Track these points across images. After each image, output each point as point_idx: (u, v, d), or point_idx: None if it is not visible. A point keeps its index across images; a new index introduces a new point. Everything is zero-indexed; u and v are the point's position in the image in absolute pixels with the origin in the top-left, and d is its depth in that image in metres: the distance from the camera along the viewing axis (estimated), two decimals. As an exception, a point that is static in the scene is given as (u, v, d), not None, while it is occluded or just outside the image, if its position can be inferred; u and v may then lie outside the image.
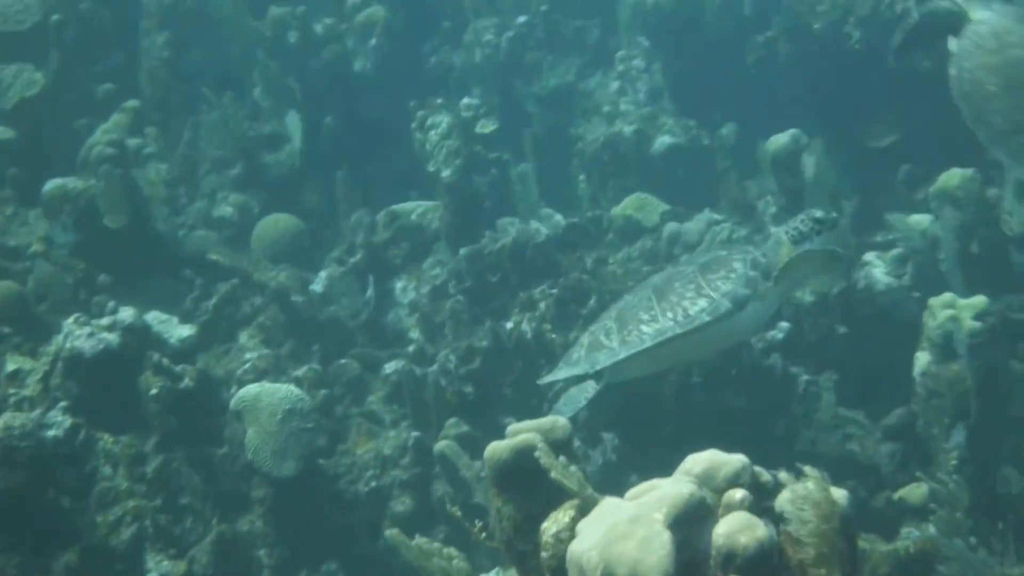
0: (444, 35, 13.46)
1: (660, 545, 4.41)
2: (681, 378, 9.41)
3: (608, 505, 4.77)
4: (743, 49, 12.25)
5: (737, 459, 4.87)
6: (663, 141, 11.87)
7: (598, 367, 7.39)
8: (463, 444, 9.41)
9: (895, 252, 10.52)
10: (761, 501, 4.66)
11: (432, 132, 11.55)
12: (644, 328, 7.34)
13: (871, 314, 10.38)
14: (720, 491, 4.72)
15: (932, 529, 8.87)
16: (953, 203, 10.47)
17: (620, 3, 13.46)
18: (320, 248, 12.05)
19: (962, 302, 9.47)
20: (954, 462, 9.27)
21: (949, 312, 9.43)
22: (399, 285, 11.27)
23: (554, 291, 9.76)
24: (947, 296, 9.57)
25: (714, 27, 12.48)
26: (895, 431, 9.80)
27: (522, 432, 5.50)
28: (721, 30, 12.45)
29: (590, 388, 7.38)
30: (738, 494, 4.63)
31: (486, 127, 11.27)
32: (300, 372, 10.24)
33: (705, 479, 4.80)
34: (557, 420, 5.58)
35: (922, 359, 9.60)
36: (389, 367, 10.38)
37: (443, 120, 11.53)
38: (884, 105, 11.37)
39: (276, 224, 11.99)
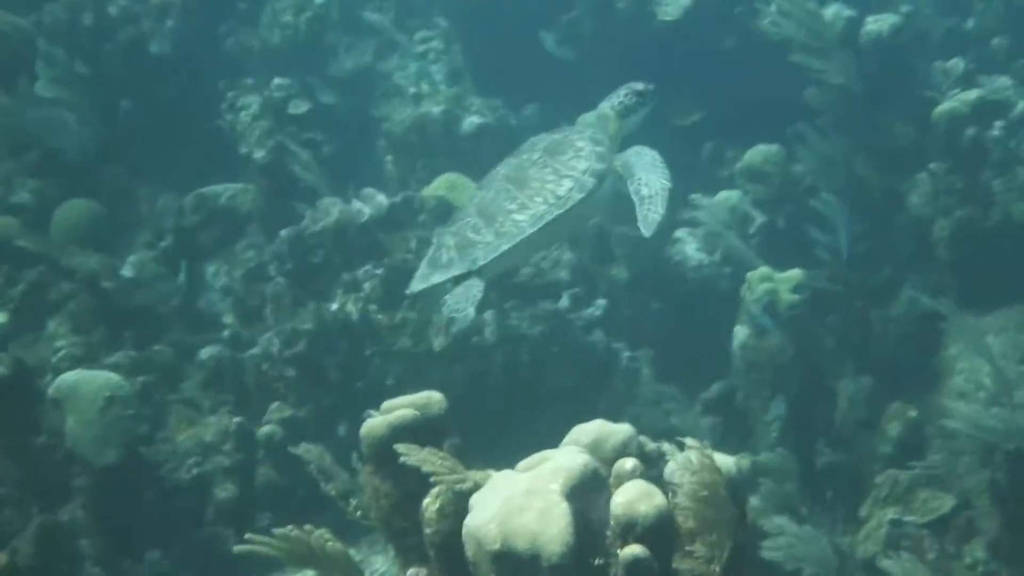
0: (241, 16, 13.20)
1: (559, 516, 4.42)
2: (509, 356, 9.49)
3: (502, 478, 4.75)
4: (545, 28, 12.33)
5: (624, 429, 4.92)
6: (471, 121, 11.87)
7: (481, 263, 7.28)
8: (288, 428, 9.32)
9: (705, 228, 10.69)
10: (648, 471, 4.70)
11: (243, 113, 11.40)
12: (517, 216, 7.27)
13: (685, 290, 10.57)
14: (609, 461, 4.76)
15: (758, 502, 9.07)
16: (760, 179, 10.74)
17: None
18: (122, 233, 11.73)
19: (779, 275, 9.72)
20: (775, 434, 9.51)
21: (767, 285, 9.66)
22: (211, 269, 11.04)
23: (379, 272, 9.68)
24: (763, 269, 9.82)
25: (514, 6, 12.53)
26: (715, 404, 10.00)
27: (397, 408, 5.44)
28: (521, 9, 12.51)
29: (477, 286, 7.27)
30: (628, 463, 4.66)
31: (299, 107, 11.14)
32: (115, 359, 9.94)
33: (594, 449, 4.83)
34: (432, 395, 5.54)
35: (740, 333, 9.84)
36: (204, 352, 10.14)
37: (253, 101, 11.37)
38: (689, 83, 11.58)
39: (74, 209, 11.63)
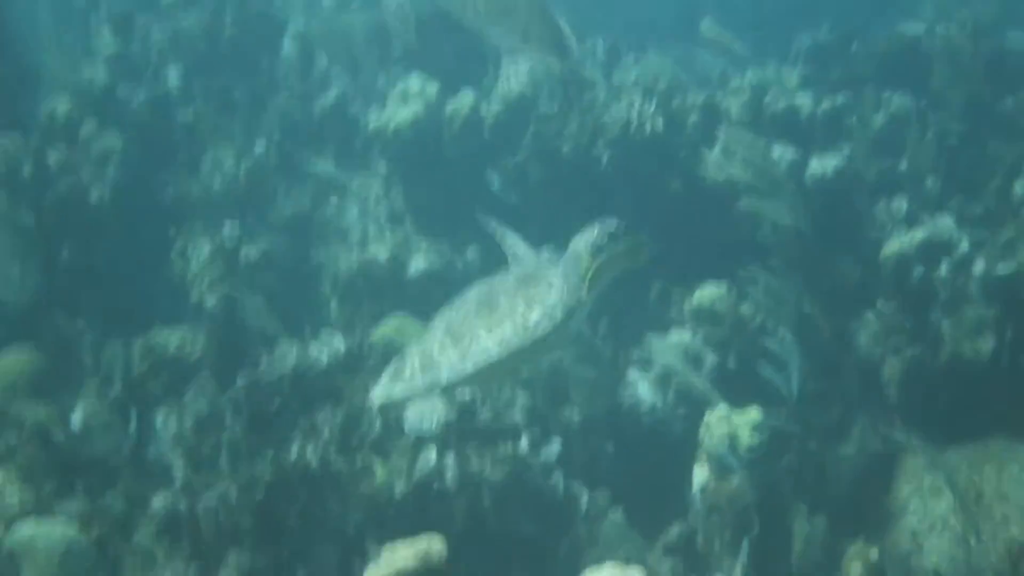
0: (180, 165, 13.21)
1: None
2: (471, 502, 9.42)
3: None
4: (486, 171, 12.44)
5: (635, 572, 4.92)
6: (418, 265, 11.88)
7: (444, 382, 7.26)
8: (249, 576, 9.20)
9: (657, 370, 10.72)
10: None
11: (193, 261, 11.34)
12: (484, 340, 7.27)
13: (639, 432, 10.58)
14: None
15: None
16: (710, 319, 10.81)
17: (356, 131, 13.52)
18: (64, 382, 11.55)
19: (737, 417, 9.75)
20: (738, 577, 9.49)
21: (726, 428, 9.68)
22: (160, 418, 10.88)
23: (338, 417, 9.61)
24: (722, 410, 9.83)
25: (455, 151, 12.65)
26: (675, 547, 9.95)
27: (399, 557, 5.39)
28: (462, 153, 12.63)
29: (439, 405, 7.23)
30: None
31: (250, 254, 11.11)
32: (67, 509, 9.74)
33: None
34: (432, 543, 5.49)
35: (700, 474, 9.82)
36: (157, 502, 9.94)
37: (204, 248, 11.32)
38: (635, 224, 11.66)
39: (14, 359, 11.44)
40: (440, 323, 7.60)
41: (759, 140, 10.94)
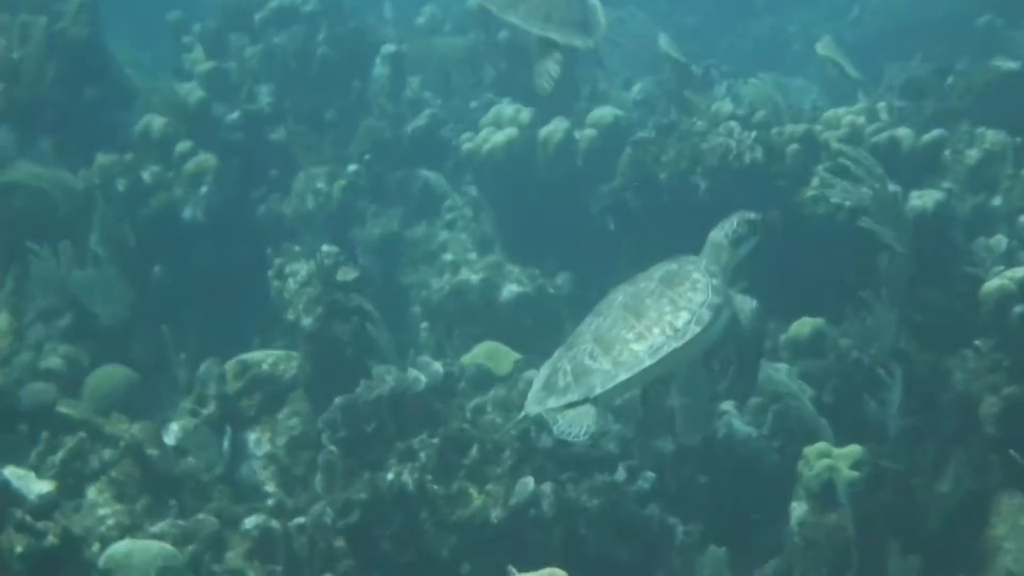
0: (272, 183, 13.28)
1: None
2: (568, 530, 9.39)
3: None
4: (577, 198, 12.44)
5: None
6: (511, 289, 11.87)
7: (598, 391, 7.25)
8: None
9: (754, 401, 10.66)
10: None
11: (291, 280, 11.37)
12: (635, 347, 7.28)
13: (734, 465, 10.51)
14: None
15: None
16: (807, 351, 10.75)
17: (447, 154, 13.56)
18: (156, 400, 11.60)
19: (837, 451, 9.68)
20: (841, 614, 9.40)
21: (826, 461, 9.61)
22: (252, 437, 10.91)
23: (435, 441, 9.60)
24: (821, 445, 9.77)
25: (547, 176, 12.66)
26: (772, 581, 9.89)
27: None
28: (554, 179, 12.64)
29: (591, 413, 7.21)
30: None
31: (348, 274, 11.12)
32: (161, 528, 9.77)
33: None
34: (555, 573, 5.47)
35: (798, 509, 9.74)
36: (249, 522, 9.97)
37: (302, 268, 11.36)
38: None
39: (110, 376, 11.52)
40: (588, 330, 7.59)
41: (877, 166, 10.82)
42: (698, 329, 7.37)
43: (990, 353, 10.46)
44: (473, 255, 12.56)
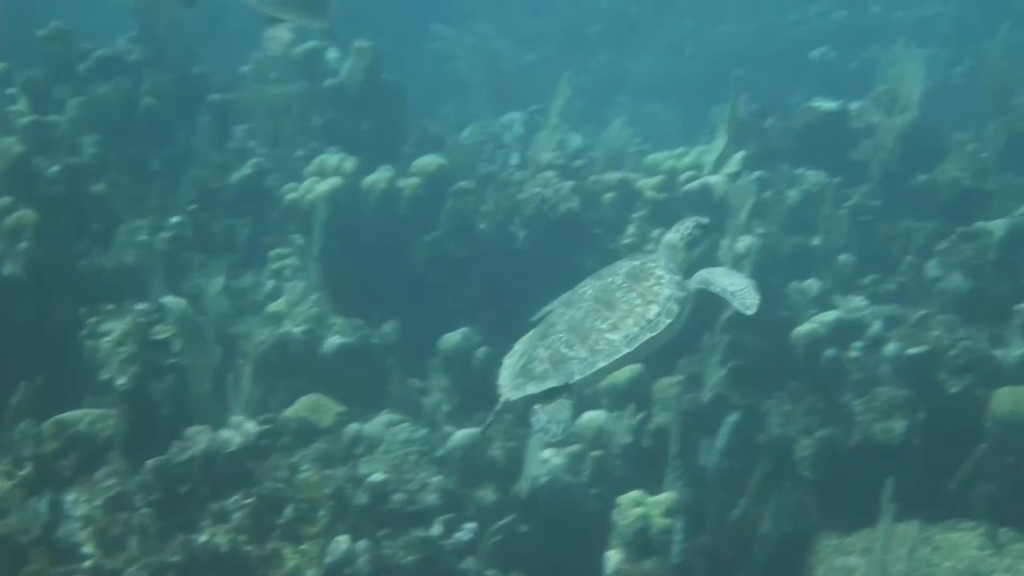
0: (94, 236, 13.11)
1: None
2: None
3: None
4: (402, 246, 12.46)
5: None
6: (333, 341, 11.83)
7: (577, 378, 7.25)
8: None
9: (573, 447, 10.74)
10: None
11: (104, 339, 11.22)
12: (611, 336, 7.35)
13: (553, 512, 10.57)
14: None
15: None
16: (625, 398, 10.87)
17: (273, 203, 13.49)
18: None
19: (651, 499, 9.79)
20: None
21: (639, 510, 9.71)
22: (70, 498, 10.73)
23: (249, 501, 9.55)
24: (635, 493, 9.87)
25: (372, 225, 12.65)
26: (589, 629, 9.94)
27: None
28: (379, 228, 12.64)
29: (566, 404, 7.25)
30: None
31: (162, 332, 11.00)
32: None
33: None
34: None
35: (613, 557, 9.82)
36: (66, 584, 9.84)
37: (116, 326, 11.22)
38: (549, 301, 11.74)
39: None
40: (561, 321, 7.68)
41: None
42: (668, 320, 7.55)
43: (803, 396, 10.65)
44: (298, 306, 12.48)
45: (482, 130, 15.47)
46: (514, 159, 13.97)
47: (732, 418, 10.51)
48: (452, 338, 11.32)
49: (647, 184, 12.03)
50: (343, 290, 12.65)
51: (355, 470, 10.30)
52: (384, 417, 10.97)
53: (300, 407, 11.12)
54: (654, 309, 7.42)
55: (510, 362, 7.60)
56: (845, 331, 10.71)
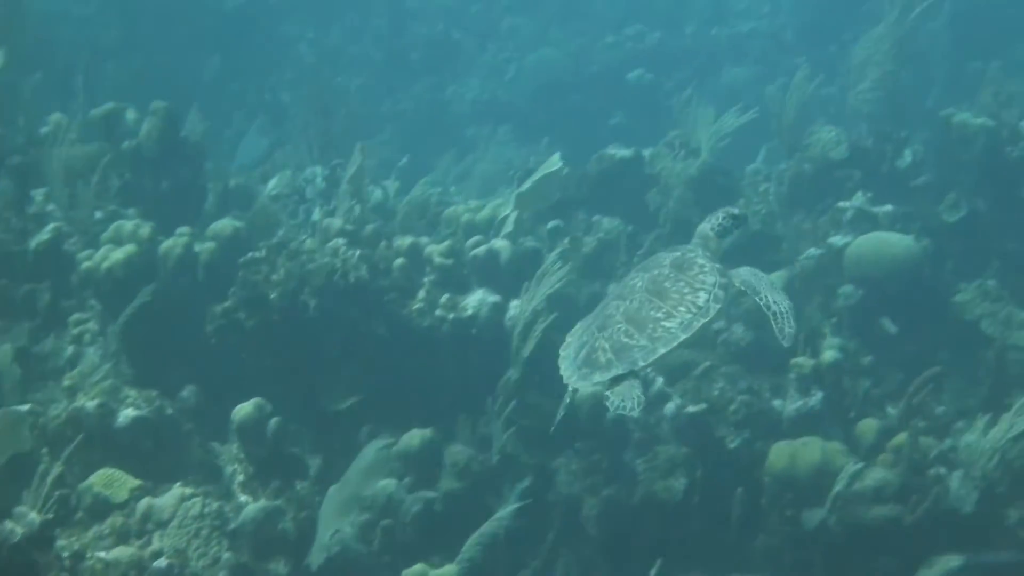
0: None
1: None
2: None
3: None
4: (199, 312, 12.46)
5: None
6: (127, 414, 11.78)
7: (640, 364, 7.88)
8: None
9: (364, 518, 10.88)
10: None
11: None
12: (667, 324, 7.98)
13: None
14: None
15: None
16: (418, 464, 11.03)
17: (73, 265, 13.41)
18: None
19: (434, 571, 9.96)
20: None
21: (421, 584, 9.90)
22: None
23: (32, 594, 9.55)
24: (418, 567, 10.04)
25: (169, 291, 12.64)
26: None
27: None
28: (176, 293, 12.64)
29: (635, 383, 7.85)
30: None
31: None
32: None
33: None
34: None
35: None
36: None
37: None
38: (345, 368, 11.86)
39: None
40: (617, 313, 8.13)
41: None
42: (717, 306, 8.12)
43: (588, 455, 10.90)
44: (94, 376, 12.41)
45: (288, 182, 15.50)
46: (315, 214, 14.06)
47: (522, 484, 10.74)
48: (245, 408, 11.35)
49: (435, 250, 12.16)
50: (141, 357, 12.59)
51: (145, 549, 10.33)
52: (177, 491, 10.95)
53: (95, 481, 11.07)
54: (703, 296, 8.11)
55: (567, 353, 8.30)
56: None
